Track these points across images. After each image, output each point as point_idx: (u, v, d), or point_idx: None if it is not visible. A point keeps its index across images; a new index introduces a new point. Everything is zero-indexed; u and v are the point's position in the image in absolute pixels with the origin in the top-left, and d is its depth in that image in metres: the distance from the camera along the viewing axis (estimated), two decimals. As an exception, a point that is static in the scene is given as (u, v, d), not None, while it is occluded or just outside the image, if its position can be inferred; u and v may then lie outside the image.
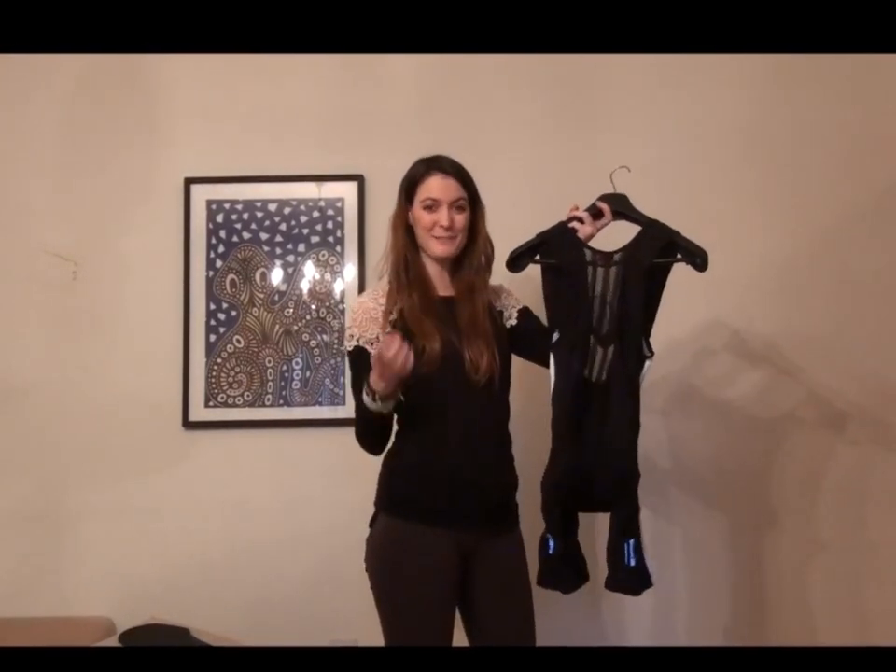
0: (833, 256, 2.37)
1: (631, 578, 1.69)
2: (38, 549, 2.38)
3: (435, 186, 1.75)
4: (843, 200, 2.38)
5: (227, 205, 2.43)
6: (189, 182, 2.42)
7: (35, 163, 2.46)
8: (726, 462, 2.34)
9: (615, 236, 1.76)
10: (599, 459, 1.69)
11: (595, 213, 1.80)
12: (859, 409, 2.32)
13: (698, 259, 1.68)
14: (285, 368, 2.40)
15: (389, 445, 1.79)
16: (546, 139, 2.42)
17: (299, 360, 2.41)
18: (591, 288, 1.71)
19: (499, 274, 1.85)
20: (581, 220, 1.79)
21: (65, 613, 2.32)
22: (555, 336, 1.74)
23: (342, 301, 2.42)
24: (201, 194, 2.43)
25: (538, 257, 1.76)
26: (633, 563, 1.67)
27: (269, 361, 2.40)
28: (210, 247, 2.43)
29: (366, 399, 1.67)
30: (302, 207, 2.44)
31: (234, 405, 2.39)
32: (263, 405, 2.39)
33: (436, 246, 1.76)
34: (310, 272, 2.43)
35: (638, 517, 1.70)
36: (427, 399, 1.72)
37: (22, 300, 2.43)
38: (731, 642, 2.29)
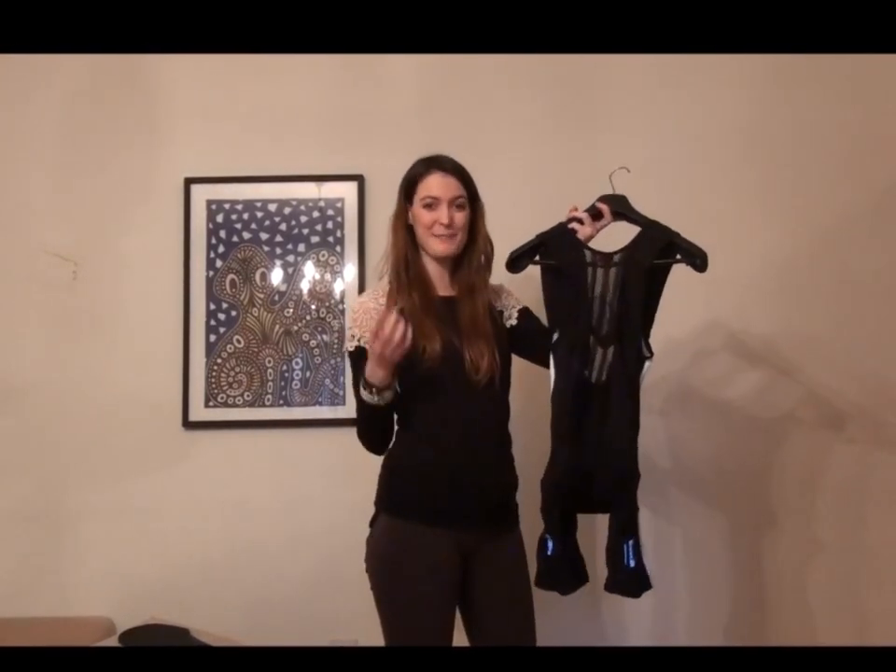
0: (833, 256, 2.37)
1: (631, 579, 1.69)
2: (38, 549, 2.38)
3: (434, 184, 1.75)
4: (843, 200, 2.38)
5: (227, 205, 2.43)
6: (188, 182, 2.42)
7: (35, 164, 2.46)
8: (726, 462, 2.34)
9: (615, 237, 1.76)
10: (599, 459, 1.69)
11: (595, 214, 1.80)
12: (858, 409, 2.32)
13: (698, 260, 1.68)
14: (285, 368, 2.40)
15: (389, 445, 1.79)
16: (546, 139, 2.42)
17: (299, 360, 2.41)
18: (591, 289, 1.71)
19: (499, 275, 1.85)
20: (580, 221, 1.79)
21: (65, 613, 2.32)
22: (555, 336, 1.74)
23: (342, 302, 2.42)
24: (201, 194, 2.43)
25: (537, 258, 1.76)
26: (632, 564, 1.67)
27: (269, 361, 2.41)
28: (210, 247, 2.43)
29: (364, 393, 1.67)
30: (302, 207, 2.44)
31: (234, 405, 2.40)
32: (263, 405, 2.40)
33: (436, 245, 1.76)
34: (310, 272, 2.43)
35: (637, 518, 1.70)
36: (427, 399, 1.72)
37: (22, 300, 2.43)
38: (731, 642, 2.29)
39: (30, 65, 2.44)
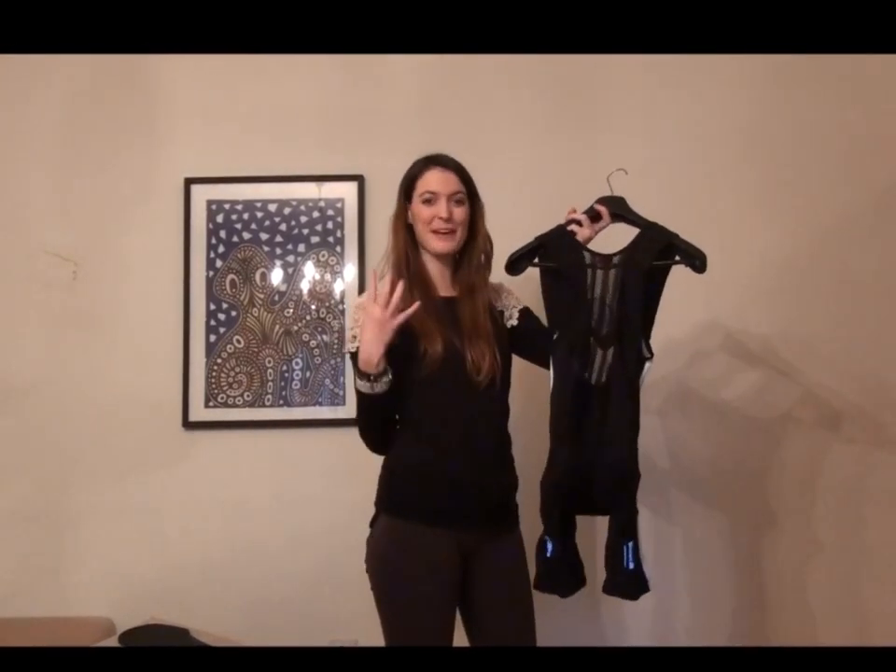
0: (832, 256, 2.37)
1: (629, 582, 1.69)
2: (38, 549, 2.38)
3: (433, 179, 1.76)
4: (843, 200, 2.38)
5: (227, 205, 2.43)
6: (189, 182, 2.42)
7: (35, 164, 2.46)
8: (725, 462, 2.34)
9: (614, 239, 1.76)
10: (599, 460, 1.69)
11: (594, 215, 1.81)
12: (858, 409, 2.32)
13: (697, 262, 1.68)
14: (285, 368, 2.41)
15: (390, 445, 1.79)
16: (546, 139, 2.42)
17: (299, 360, 2.41)
18: (590, 291, 1.71)
19: (499, 275, 1.85)
20: (579, 223, 1.79)
21: (65, 613, 2.32)
22: (555, 337, 1.74)
23: (342, 302, 2.42)
24: (201, 194, 2.43)
25: (536, 260, 1.76)
26: (631, 566, 1.67)
27: (269, 361, 2.41)
28: (210, 247, 2.43)
29: (360, 383, 1.67)
30: (302, 207, 2.43)
31: (234, 405, 2.40)
32: (263, 405, 2.40)
33: (435, 243, 1.76)
34: (310, 272, 2.43)
35: (637, 520, 1.70)
36: (427, 399, 1.72)
37: (22, 300, 2.43)
38: (731, 642, 2.29)
39: (30, 65, 2.44)
